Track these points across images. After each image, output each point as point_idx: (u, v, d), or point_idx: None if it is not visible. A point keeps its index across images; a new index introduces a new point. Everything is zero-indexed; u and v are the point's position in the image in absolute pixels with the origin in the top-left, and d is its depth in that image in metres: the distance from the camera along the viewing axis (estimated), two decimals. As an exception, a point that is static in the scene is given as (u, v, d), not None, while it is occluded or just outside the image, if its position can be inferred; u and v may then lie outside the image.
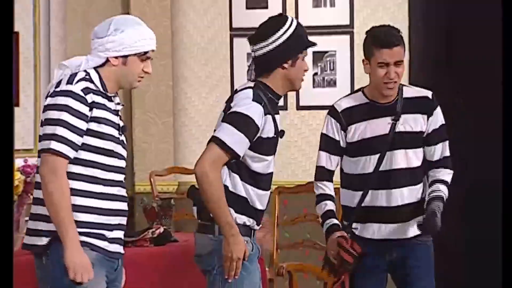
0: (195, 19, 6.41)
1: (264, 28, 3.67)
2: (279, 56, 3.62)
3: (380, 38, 3.89)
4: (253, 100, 3.59)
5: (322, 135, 4.02)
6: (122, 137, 3.36)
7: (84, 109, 3.23)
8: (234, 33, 6.33)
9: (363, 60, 3.96)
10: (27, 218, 3.43)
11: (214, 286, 3.66)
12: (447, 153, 3.99)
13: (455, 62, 6.48)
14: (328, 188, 4.01)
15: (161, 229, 4.74)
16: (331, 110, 4.01)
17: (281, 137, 3.70)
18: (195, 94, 6.43)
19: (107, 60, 3.31)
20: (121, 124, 3.37)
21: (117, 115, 3.35)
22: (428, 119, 3.96)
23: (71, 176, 3.23)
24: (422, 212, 3.93)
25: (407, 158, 3.93)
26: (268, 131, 3.62)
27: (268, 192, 3.70)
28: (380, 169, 3.91)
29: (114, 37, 3.29)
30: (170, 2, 6.35)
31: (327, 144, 3.99)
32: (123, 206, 3.35)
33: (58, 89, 3.25)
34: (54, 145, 3.18)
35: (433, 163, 3.97)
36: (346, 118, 3.95)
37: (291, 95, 6.28)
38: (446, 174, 3.99)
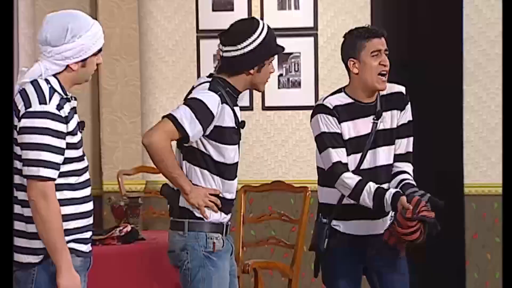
0: (162, 21, 6.42)
1: (236, 31, 3.70)
2: (246, 62, 3.68)
3: (369, 30, 3.97)
4: (209, 89, 3.66)
5: (322, 134, 3.93)
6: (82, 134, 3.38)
7: (63, 128, 3.21)
8: (200, 35, 6.35)
9: (348, 62, 3.96)
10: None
11: (185, 281, 3.74)
12: (411, 149, 4.03)
13: (416, 64, 6.58)
14: (354, 176, 3.86)
15: (129, 228, 4.76)
16: (323, 108, 3.95)
17: (242, 128, 3.74)
18: (162, 95, 6.45)
19: (67, 66, 3.28)
20: (79, 120, 3.36)
21: (76, 112, 3.34)
22: (400, 113, 4.02)
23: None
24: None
25: (386, 155, 3.98)
26: (227, 121, 3.67)
27: (235, 181, 3.77)
28: (362, 167, 3.94)
29: (72, 44, 3.24)
30: (137, 4, 6.35)
31: (331, 139, 3.91)
32: (92, 205, 3.39)
33: (31, 109, 3.19)
34: (43, 171, 3.17)
35: (397, 156, 4.01)
36: (338, 115, 3.95)
37: (257, 96, 6.33)
38: (409, 168, 4.03)
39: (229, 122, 3.68)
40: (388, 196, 3.80)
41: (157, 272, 4.60)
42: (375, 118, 3.96)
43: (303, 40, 6.20)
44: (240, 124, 3.73)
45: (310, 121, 4.03)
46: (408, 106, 4.04)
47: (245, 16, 6.18)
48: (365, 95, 3.98)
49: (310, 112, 6.26)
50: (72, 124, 3.27)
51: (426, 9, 6.63)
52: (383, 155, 3.97)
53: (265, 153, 6.35)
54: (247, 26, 3.71)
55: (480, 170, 5.95)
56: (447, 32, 6.33)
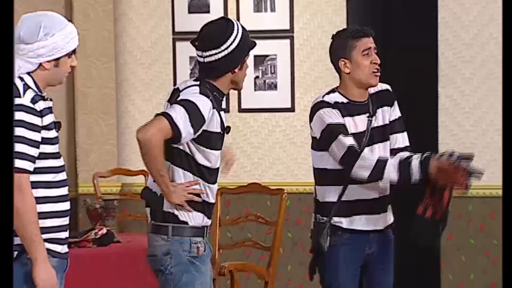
0: (137, 23, 6.40)
1: (214, 34, 3.68)
2: (230, 63, 3.67)
3: (357, 30, 4.01)
4: (200, 93, 3.63)
5: (328, 125, 3.91)
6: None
7: (37, 121, 3.20)
8: (176, 37, 6.33)
9: (339, 62, 3.97)
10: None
11: (167, 286, 3.69)
12: (408, 143, 4.09)
13: (391, 66, 6.59)
14: (373, 155, 3.87)
15: (104, 230, 4.76)
16: (323, 103, 3.96)
17: (227, 133, 3.73)
18: (138, 97, 6.42)
19: (40, 65, 3.27)
20: (55, 120, 3.34)
21: (52, 112, 3.32)
22: (390, 109, 4.07)
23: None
24: (389, 203, 4.04)
25: (382, 151, 4.00)
26: (215, 126, 3.66)
27: (216, 186, 3.75)
28: None
29: (45, 42, 3.24)
30: (113, 6, 6.34)
31: (339, 128, 3.90)
32: (69, 205, 3.37)
33: None
34: (18, 163, 3.15)
35: (397, 150, 4.04)
36: (339, 110, 3.96)
37: (233, 98, 6.32)
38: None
39: (217, 127, 3.68)
40: (416, 160, 3.83)
41: (132, 274, 4.59)
42: (369, 116, 4.01)
43: (279, 42, 6.21)
44: (226, 129, 3.73)
45: (310, 121, 4.01)
46: (396, 103, 4.10)
47: (222, 18, 6.23)
48: (358, 94, 4.01)
49: (286, 114, 6.40)
50: (47, 119, 3.25)
51: (401, 11, 6.64)
52: (379, 152, 4.00)
53: (242, 155, 6.33)
54: (223, 26, 3.70)
55: (455, 172, 5.97)
56: (422, 34, 6.35)
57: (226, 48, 3.65)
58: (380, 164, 3.85)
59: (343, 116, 3.96)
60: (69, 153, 6.40)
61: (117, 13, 6.40)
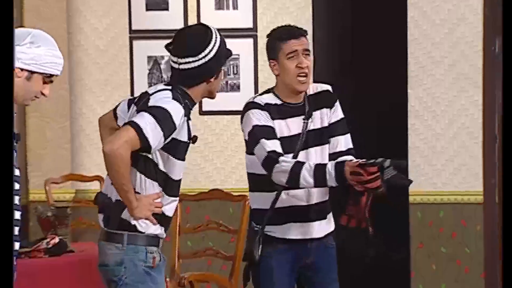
0: (92, 21, 6.34)
1: (190, 42, 3.64)
2: (207, 72, 3.63)
3: (286, 31, 3.96)
4: (172, 98, 3.58)
5: (254, 127, 3.86)
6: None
7: None
8: (133, 35, 6.26)
9: (269, 63, 3.95)
10: None
11: (121, 297, 3.63)
12: (351, 145, 4.02)
13: (358, 63, 6.56)
14: (291, 160, 3.79)
15: (57, 239, 4.71)
16: (254, 104, 3.91)
17: (193, 143, 3.68)
18: (93, 98, 6.36)
19: None
20: (15, 131, 3.28)
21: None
22: (330, 111, 4.00)
23: None
24: (328, 209, 3.97)
25: (318, 155, 3.94)
26: (184, 135, 3.61)
27: (177, 199, 3.69)
28: None
29: (28, 49, 3.25)
30: (66, 3, 6.28)
31: (264, 132, 3.84)
32: (19, 215, 3.29)
33: None
34: None
35: (339, 153, 3.97)
36: (269, 112, 3.91)
37: (193, 100, 6.23)
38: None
39: (185, 136, 3.61)
40: (331, 166, 3.74)
41: (86, 286, 4.53)
42: (304, 118, 3.94)
43: (242, 42, 6.12)
44: (192, 139, 3.66)
45: (241, 122, 3.96)
46: (337, 104, 4.03)
47: (181, 16, 6.15)
48: (291, 96, 3.96)
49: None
50: None
51: (370, 9, 6.60)
52: (315, 156, 3.94)
53: (202, 160, 6.27)
54: (201, 34, 3.65)
55: (425, 177, 5.91)
56: (391, 34, 6.31)
57: (203, 57, 3.61)
58: (295, 169, 3.77)
59: (273, 118, 3.89)
60: (20, 158, 6.22)
61: (70, 10, 6.31)
